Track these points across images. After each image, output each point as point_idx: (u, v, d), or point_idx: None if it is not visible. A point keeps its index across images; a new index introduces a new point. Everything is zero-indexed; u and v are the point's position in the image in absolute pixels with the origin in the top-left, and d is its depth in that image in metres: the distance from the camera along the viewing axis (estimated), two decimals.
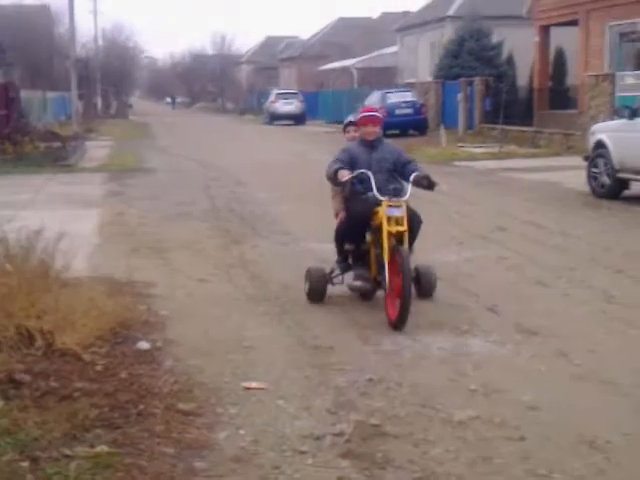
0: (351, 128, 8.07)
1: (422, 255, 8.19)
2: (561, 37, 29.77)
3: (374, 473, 4.42)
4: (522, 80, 32.63)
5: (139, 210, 13.91)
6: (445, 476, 4.39)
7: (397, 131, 32.15)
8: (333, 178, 7.35)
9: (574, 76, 28.86)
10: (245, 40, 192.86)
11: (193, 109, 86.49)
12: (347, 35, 62.09)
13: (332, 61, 59.54)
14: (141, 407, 5.13)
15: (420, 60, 42.82)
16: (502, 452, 4.65)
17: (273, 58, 78.16)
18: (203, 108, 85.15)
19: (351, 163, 7.44)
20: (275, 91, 51.94)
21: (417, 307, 7.15)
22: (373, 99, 34.85)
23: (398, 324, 6.77)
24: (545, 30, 29.96)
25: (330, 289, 7.82)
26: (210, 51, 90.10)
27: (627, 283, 8.47)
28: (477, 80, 31.42)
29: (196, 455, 4.60)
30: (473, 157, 22.92)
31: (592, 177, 14.82)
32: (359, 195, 7.47)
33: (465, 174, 19.29)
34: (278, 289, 8.34)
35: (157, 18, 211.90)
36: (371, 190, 7.23)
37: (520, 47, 32.23)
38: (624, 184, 14.38)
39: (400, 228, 6.95)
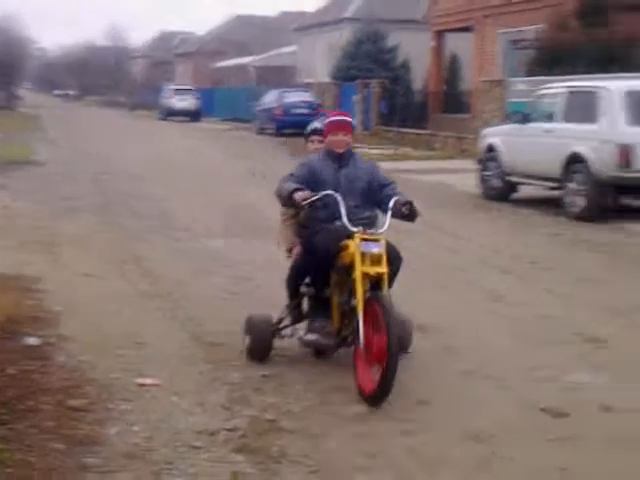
0: (316, 138, 6.36)
1: None
2: (456, 43, 30.43)
3: (269, 467, 4.44)
4: (417, 84, 33.20)
5: (27, 203, 13.55)
6: (340, 469, 4.45)
7: (294, 130, 32.36)
8: (287, 200, 5.72)
9: (468, 81, 29.55)
10: (141, 34, 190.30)
11: (84, 102, 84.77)
12: (244, 33, 61.95)
13: (229, 58, 59.30)
14: (30, 403, 5.02)
15: (318, 60, 43.07)
16: (393, 445, 4.74)
17: (168, 53, 77.28)
18: (95, 102, 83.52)
19: (312, 181, 5.80)
20: (170, 87, 51.39)
21: None
22: (271, 98, 34.96)
23: (377, 398, 5.19)
24: (440, 35, 30.58)
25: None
26: (104, 43, 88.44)
27: (514, 283, 8.73)
28: (374, 82, 31.82)
29: (87, 451, 4.53)
30: (369, 158, 23.14)
31: (483, 180, 15.21)
32: (321, 224, 5.83)
33: None
34: (171, 285, 8.28)
35: (48, 8, 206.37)
36: (338, 218, 5.64)
37: (416, 51, 32.78)
38: (513, 187, 14.81)
39: (379, 269, 5.38)
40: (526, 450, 4.70)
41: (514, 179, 14.57)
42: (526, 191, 14.85)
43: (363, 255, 5.39)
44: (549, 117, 13.75)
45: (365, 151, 24.76)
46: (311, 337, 5.84)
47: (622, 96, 12.41)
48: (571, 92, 13.49)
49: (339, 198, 5.64)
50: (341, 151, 5.98)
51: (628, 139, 12.08)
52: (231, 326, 6.90)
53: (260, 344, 6.01)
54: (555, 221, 12.57)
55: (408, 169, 19.90)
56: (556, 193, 13.48)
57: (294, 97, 34.51)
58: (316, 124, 6.46)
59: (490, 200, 14.78)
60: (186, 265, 8.78)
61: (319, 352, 6.06)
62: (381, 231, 5.58)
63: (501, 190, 14.78)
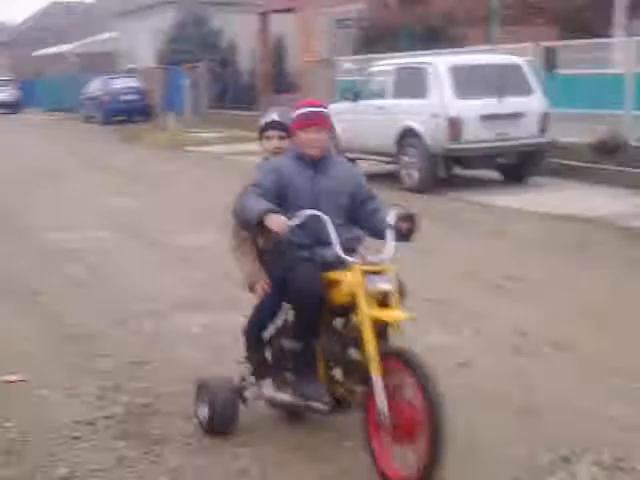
0: (274, 133, 4.69)
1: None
2: (282, 23, 30.70)
3: (152, 449, 4.53)
4: (245, 65, 33.30)
5: None
6: (218, 446, 4.60)
7: (123, 117, 31.95)
8: (253, 225, 4.20)
9: (295, 61, 29.90)
10: None
11: None
12: (63, 19, 60.07)
13: (48, 46, 57.36)
14: None
15: (141, 45, 42.32)
16: (274, 416, 4.91)
17: None
18: None
19: (281, 194, 4.38)
20: None
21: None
22: (96, 85, 34.22)
23: None
24: (265, 16, 30.75)
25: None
26: None
27: None
28: (201, 65, 31.68)
29: None
30: (204, 142, 23.17)
31: None
32: (296, 252, 4.40)
33: (199, 159, 19.50)
34: (27, 280, 8.14)
35: None
36: (322, 244, 4.32)
37: (242, 33, 32.83)
38: (351, 163, 15.20)
39: (394, 314, 4.06)
40: None
41: (350, 156, 14.96)
42: (363, 167, 15.29)
43: (367, 293, 4.06)
44: (380, 94, 14.22)
45: (199, 135, 24.75)
46: (298, 401, 4.44)
47: (448, 71, 13.01)
48: (400, 69, 14.00)
49: (327, 220, 4.20)
50: (316, 154, 4.44)
51: (456, 112, 12.69)
52: (91, 316, 6.89)
53: (224, 414, 4.63)
54: (392, 194, 13.02)
55: (245, 151, 20.01)
56: (392, 167, 13.98)
57: (120, 84, 33.96)
58: (273, 115, 4.74)
59: None
60: (37, 259, 8.63)
61: (293, 414, 4.80)
62: (386, 258, 4.16)
63: None
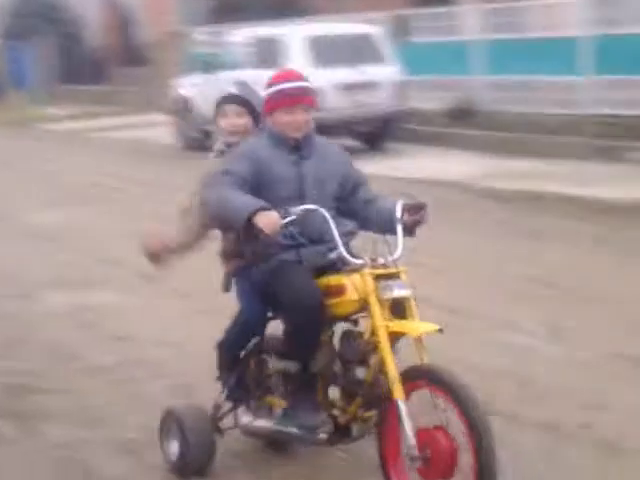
0: (231, 108, 3.95)
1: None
2: None
3: (33, 427, 4.46)
4: (94, 39, 32.41)
5: None
6: (96, 413, 4.58)
7: None
8: (239, 224, 3.47)
9: (147, 33, 29.32)
10: None
11: None
12: None
13: None
14: None
15: None
16: (150, 389, 4.91)
17: None
18: None
19: (260, 182, 3.67)
20: None
21: None
22: None
23: None
24: None
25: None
26: None
27: None
28: (46, 40, 30.62)
29: None
30: (56, 119, 22.50)
31: (180, 131, 15.40)
32: (282, 253, 3.70)
33: (55, 137, 18.98)
34: None
35: None
36: (314, 242, 3.69)
37: (87, 6, 31.91)
38: (209, 135, 15.15)
39: (421, 325, 3.43)
40: None
41: (209, 128, 14.89)
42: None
43: (381, 302, 3.42)
44: (237, 65, 14.17)
45: (50, 112, 24.01)
46: (289, 430, 3.72)
47: (305, 41, 13.11)
48: (256, 40, 14.00)
49: (327, 215, 3.54)
50: (299, 136, 3.73)
51: (314, 82, 12.77)
52: None
53: (200, 449, 3.89)
54: None
55: (100, 127, 19.62)
56: None
57: None
58: (230, 88, 4.05)
59: (191, 150, 15.02)
60: None
61: (275, 446, 4.13)
62: (397, 257, 3.53)
63: (199, 140, 15.07)
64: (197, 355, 5.35)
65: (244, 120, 3.91)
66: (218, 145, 3.99)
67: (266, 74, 12.42)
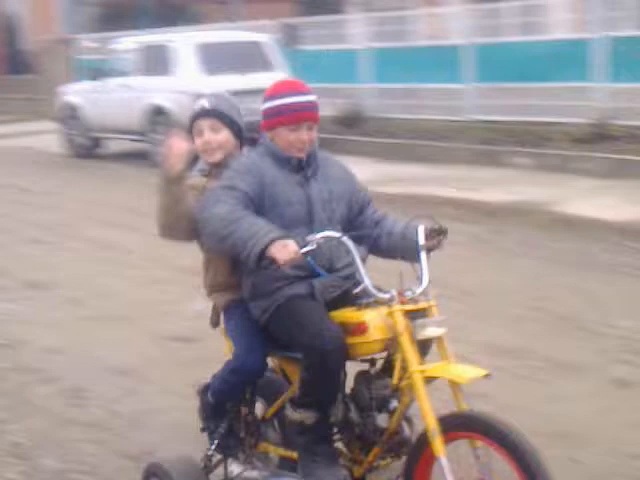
0: (204, 123, 3.41)
1: None
2: (16, 1, 29.34)
3: None
4: None
5: None
6: None
7: None
8: (252, 259, 3.01)
9: (31, 40, 28.71)
10: None
11: None
12: None
13: None
14: None
15: None
16: (40, 392, 4.87)
17: None
18: None
19: (263, 205, 3.22)
20: None
21: None
22: None
23: None
24: None
25: None
26: None
27: (118, 233, 9.00)
28: None
29: None
30: None
31: (68, 139, 15.17)
32: (291, 285, 3.23)
33: None
34: None
35: None
36: (320, 274, 3.16)
37: None
38: (98, 142, 14.99)
39: (461, 370, 3.00)
40: (164, 374, 5.10)
41: (98, 135, 14.74)
42: (112, 147, 15.08)
43: (415, 342, 3.01)
44: (125, 72, 14.06)
45: None
46: None
47: (193, 48, 13.13)
48: (144, 47, 13.92)
49: (350, 244, 3.09)
50: (303, 156, 3.28)
51: (202, 89, 12.80)
52: None
53: None
54: (143, 172, 12.99)
55: None
56: (142, 145, 13.91)
57: None
58: (202, 101, 3.47)
59: (78, 158, 14.80)
60: None
61: None
62: (422, 290, 3.10)
63: (87, 147, 14.90)
64: (86, 360, 5.36)
65: (222, 135, 3.38)
66: (200, 165, 3.44)
67: (154, 81, 12.45)
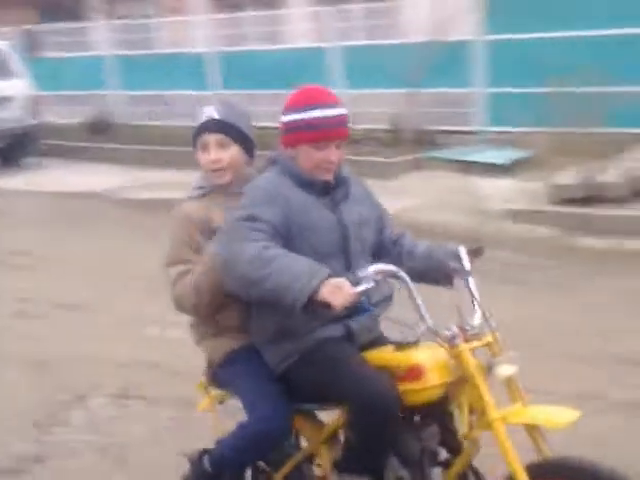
0: (211, 138, 2.93)
1: None
2: None
3: None
4: None
5: None
6: None
7: None
8: (298, 305, 2.50)
9: None
10: None
11: None
12: None
13: None
14: None
15: None
16: None
17: None
18: None
19: (291, 235, 2.72)
20: None
21: None
22: None
23: None
24: None
25: None
26: None
27: None
28: None
29: None
30: None
31: None
32: (323, 328, 2.76)
33: None
34: None
35: None
36: (369, 309, 2.73)
37: None
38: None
39: (550, 414, 2.56)
40: None
41: None
42: None
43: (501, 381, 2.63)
44: None
45: None
46: None
47: None
48: None
49: (407, 278, 2.60)
50: (330, 177, 2.82)
51: None
52: None
53: None
54: None
55: None
56: None
57: None
58: (209, 110, 2.95)
59: None
60: None
61: None
62: (482, 323, 2.67)
63: None
64: None
65: (230, 152, 2.91)
66: (199, 182, 2.99)
67: None
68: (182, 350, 5.26)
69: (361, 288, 2.46)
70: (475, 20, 11.32)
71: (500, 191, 9.18)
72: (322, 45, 12.78)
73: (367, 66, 11.85)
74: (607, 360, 4.88)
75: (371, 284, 2.46)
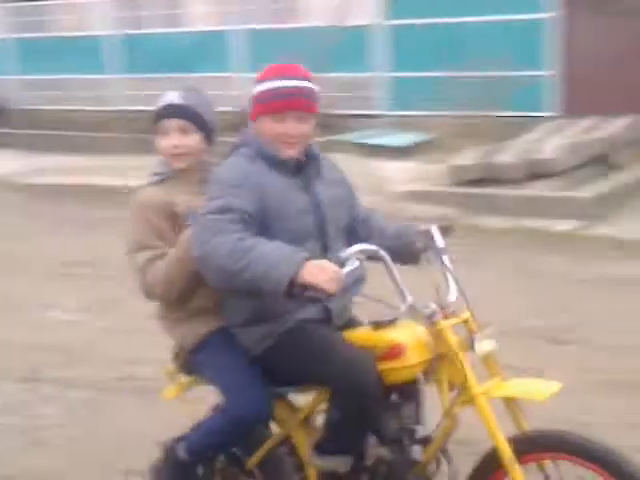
0: (173, 123, 2.86)
1: None
2: None
3: None
4: None
5: None
6: None
7: None
8: (280, 289, 2.43)
9: None
10: None
11: None
12: None
13: None
14: None
15: None
16: None
17: None
18: None
19: (266, 220, 2.63)
20: None
21: None
22: None
23: None
24: None
25: None
26: None
27: None
28: None
29: None
30: None
31: None
32: (301, 310, 2.69)
33: None
34: None
35: None
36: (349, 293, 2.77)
37: None
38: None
39: (535, 387, 2.61)
40: None
41: None
42: None
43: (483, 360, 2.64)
44: None
45: None
46: None
47: None
48: None
49: (388, 258, 2.56)
50: (294, 154, 2.72)
51: None
52: None
53: None
54: None
55: None
56: None
57: None
58: (171, 96, 2.89)
59: None
60: None
61: None
62: (457, 299, 2.66)
63: None
64: None
65: (192, 138, 2.85)
66: (157, 168, 2.91)
67: None
68: (84, 333, 5.34)
69: (348, 269, 2.42)
70: (377, 5, 11.47)
71: (402, 173, 9.34)
72: (224, 28, 12.72)
73: (269, 50, 11.85)
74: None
75: (356, 264, 2.43)
